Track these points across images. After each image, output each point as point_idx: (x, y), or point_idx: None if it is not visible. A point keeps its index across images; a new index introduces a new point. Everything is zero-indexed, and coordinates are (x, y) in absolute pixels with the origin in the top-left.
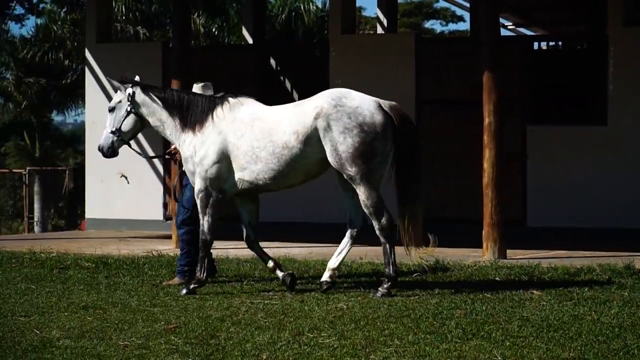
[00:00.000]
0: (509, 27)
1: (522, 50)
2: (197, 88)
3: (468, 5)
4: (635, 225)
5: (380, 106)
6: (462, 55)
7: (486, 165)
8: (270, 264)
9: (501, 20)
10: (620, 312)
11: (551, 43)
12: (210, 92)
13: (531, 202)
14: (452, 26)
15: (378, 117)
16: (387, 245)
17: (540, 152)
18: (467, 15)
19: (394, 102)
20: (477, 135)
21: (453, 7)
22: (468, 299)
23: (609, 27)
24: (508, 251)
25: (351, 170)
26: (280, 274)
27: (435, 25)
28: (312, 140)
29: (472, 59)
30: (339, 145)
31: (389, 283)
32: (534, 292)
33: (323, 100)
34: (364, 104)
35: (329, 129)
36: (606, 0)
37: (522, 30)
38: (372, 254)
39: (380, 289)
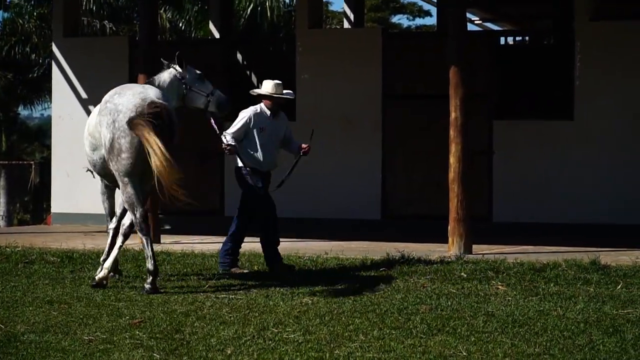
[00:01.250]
0: (475, 22)
1: (488, 45)
2: (269, 85)
3: (435, 0)
4: (601, 220)
5: (137, 105)
6: (429, 50)
7: (452, 160)
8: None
9: (468, 15)
10: (586, 308)
11: (518, 38)
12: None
13: (497, 197)
14: (419, 21)
15: (130, 115)
16: (144, 240)
17: (507, 147)
18: (434, 10)
19: (159, 101)
20: (444, 131)
21: (420, 2)
22: (433, 294)
23: (575, 21)
24: (474, 246)
25: (111, 164)
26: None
27: (402, 20)
28: (96, 135)
29: (439, 54)
30: (104, 141)
31: (151, 278)
32: (500, 287)
33: (106, 95)
34: (125, 102)
35: (100, 125)
36: None
37: (489, 25)
38: (337, 249)
39: (145, 285)
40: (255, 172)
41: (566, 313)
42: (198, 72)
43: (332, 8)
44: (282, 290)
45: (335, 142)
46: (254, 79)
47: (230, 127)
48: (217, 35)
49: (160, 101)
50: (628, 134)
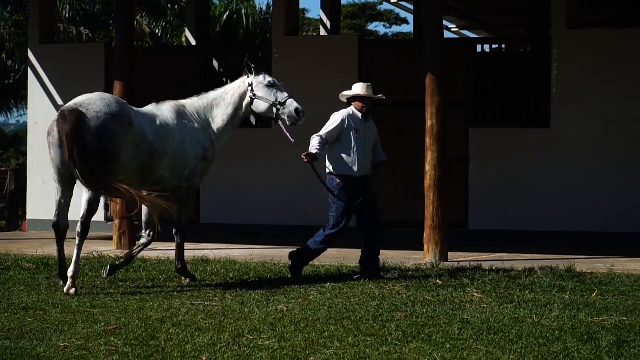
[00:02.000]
0: (452, 29)
1: (465, 53)
2: (360, 87)
3: (412, 7)
4: (576, 228)
5: (62, 113)
6: (405, 58)
7: (428, 167)
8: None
9: (445, 22)
10: (561, 315)
11: (494, 46)
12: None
13: (473, 204)
14: (395, 28)
15: (59, 124)
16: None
17: (483, 155)
18: (411, 18)
19: (75, 107)
20: (420, 138)
21: (397, 10)
22: (409, 302)
23: (552, 29)
24: (450, 254)
25: None
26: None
27: (379, 27)
28: None
29: (415, 62)
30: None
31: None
32: (475, 294)
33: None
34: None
35: None
36: (549, 2)
37: (465, 33)
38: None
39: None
40: (347, 181)
41: (541, 320)
42: (269, 79)
43: (308, 15)
44: (257, 297)
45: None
46: None
47: (322, 129)
48: (193, 42)
49: (68, 107)
50: (604, 142)
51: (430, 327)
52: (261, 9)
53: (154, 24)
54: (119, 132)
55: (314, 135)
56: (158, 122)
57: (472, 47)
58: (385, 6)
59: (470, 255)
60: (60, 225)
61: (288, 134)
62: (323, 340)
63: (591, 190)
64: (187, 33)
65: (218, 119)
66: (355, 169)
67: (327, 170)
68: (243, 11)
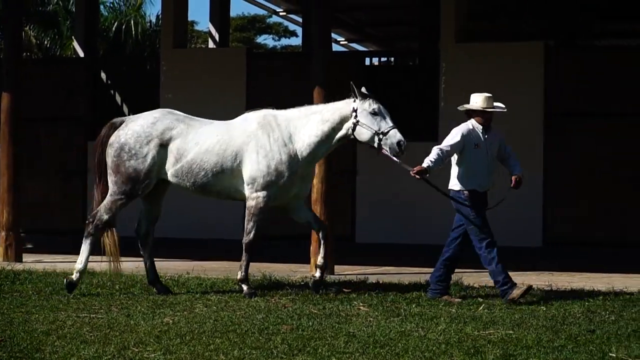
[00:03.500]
0: (341, 42)
1: (354, 66)
2: (480, 99)
3: (301, 20)
4: None
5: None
6: (294, 71)
7: (315, 181)
8: None
9: (334, 35)
10: (447, 329)
11: (383, 59)
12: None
13: (360, 217)
14: (285, 41)
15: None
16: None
17: (370, 168)
18: (300, 30)
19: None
20: None
21: (286, 22)
22: (295, 315)
23: (441, 42)
24: (336, 267)
25: None
26: None
27: (268, 40)
28: None
29: (304, 74)
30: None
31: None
32: (361, 308)
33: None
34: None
35: None
36: (438, 16)
37: (355, 45)
38: (199, 269)
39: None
40: (472, 195)
41: (427, 334)
42: (374, 107)
43: (197, 27)
44: (143, 309)
45: None
46: (117, 97)
47: (443, 142)
48: (81, 53)
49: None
50: None
51: (316, 340)
52: (150, 21)
53: (42, 34)
54: (143, 150)
55: (435, 147)
56: (217, 139)
57: (361, 60)
58: (275, 19)
59: (357, 268)
60: (139, 233)
61: (394, 158)
62: (208, 353)
63: None
64: (75, 44)
65: (307, 134)
66: (479, 184)
67: (451, 187)
68: (132, 21)
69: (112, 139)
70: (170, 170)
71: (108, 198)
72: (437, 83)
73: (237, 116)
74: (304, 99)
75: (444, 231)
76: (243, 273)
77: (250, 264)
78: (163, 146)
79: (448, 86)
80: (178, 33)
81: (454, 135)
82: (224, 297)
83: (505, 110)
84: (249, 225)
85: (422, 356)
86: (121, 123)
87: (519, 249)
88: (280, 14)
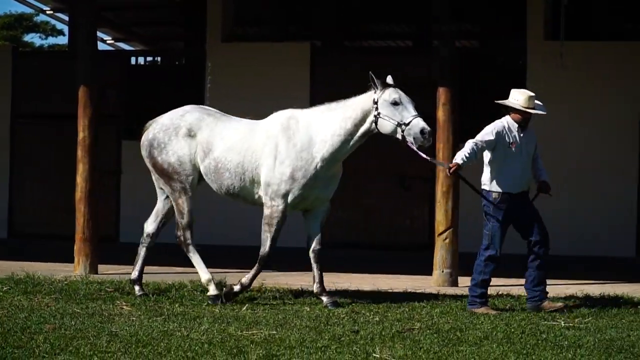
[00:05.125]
0: (107, 41)
1: (119, 65)
2: (522, 98)
3: (67, 19)
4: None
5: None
6: (60, 70)
7: (79, 179)
8: None
9: (100, 34)
10: (210, 329)
11: (149, 58)
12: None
13: (125, 217)
14: (52, 40)
15: None
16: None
17: (135, 168)
18: (67, 29)
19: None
20: (74, 151)
21: (53, 21)
22: (57, 314)
23: (207, 43)
24: (100, 266)
25: None
26: None
27: (34, 39)
28: None
29: (70, 73)
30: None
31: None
32: (124, 307)
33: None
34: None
35: None
36: (205, 16)
37: (121, 45)
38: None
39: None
40: (503, 197)
41: (190, 333)
42: (394, 97)
43: None
44: None
45: None
46: None
47: (478, 136)
48: None
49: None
50: None
51: (78, 339)
52: None
53: None
54: (172, 142)
55: (470, 140)
56: (240, 136)
57: (126, 59)
58: (42, 17)
59: (121, 267)
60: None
61: (420, 153)
62: None
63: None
64: None
65: (330, 134)
66: (511, 185)
67: (483, 186)
68: None
69: (142, 139)
70: (201, 166)
71: (173, 204)
72: (203, 83)
73: None
74: (70, 98)
75: (203, 230)
76: (247, 281)
77: (15, 262)
78: (192, 137)
79: (214, 86)
80: None
81: (487, 132)
82: None
83: (545, 114)
84: (264, 235)
85: (185, 356)
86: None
87: None
88: (48, 12)
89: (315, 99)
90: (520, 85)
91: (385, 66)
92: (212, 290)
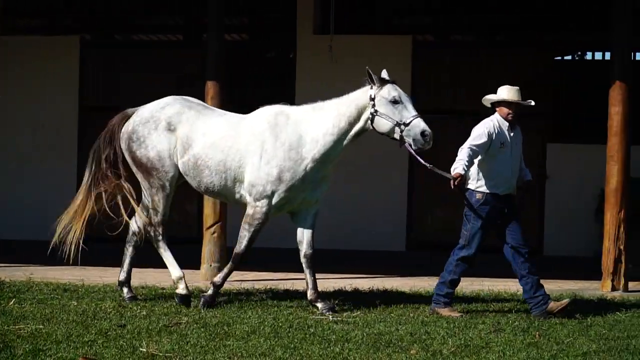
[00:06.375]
0: None
1: None
2: (505, 91)
3: None
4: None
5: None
6: None
7: None
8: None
9: None
10: None
11: None
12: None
13: None
14: None
15: None
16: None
17: None
18: None
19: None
20: None
21: None
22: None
23: None
24: None
25: None
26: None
27: None
28: None
29: None
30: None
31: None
32: None
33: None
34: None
35: None
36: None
37: None
38: None
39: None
40: (487, 198)
41: None
42: (393, 94)
43: None
44: None
45: None
46: None
47: (470, 140)
48: None
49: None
50: None
51: None
52: None
53: None
54: (151, 137)
55: (463, 147)
56: (223, 133)
57: None
58: None
59: None
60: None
61: (418, 157)
62: None
63: None
64: None
65: (321, 133)
66: (500, 186)
67: (467, 185)
68: None
69: (122, 130)
70: (179, 162)
71: (148, 198)
72: None
73: None
74: None
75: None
76: (220, 280)
77: None
78: (172, 131)
79: None
80: None
81: (480, 134)
82: None
83: (533, 104)
84: (242, 233)
85: None
86: (133, 113)
87: None
88: None
89: (84, 95)
90: (290, 78)
91: (156, 60)
92: (181, 290)
